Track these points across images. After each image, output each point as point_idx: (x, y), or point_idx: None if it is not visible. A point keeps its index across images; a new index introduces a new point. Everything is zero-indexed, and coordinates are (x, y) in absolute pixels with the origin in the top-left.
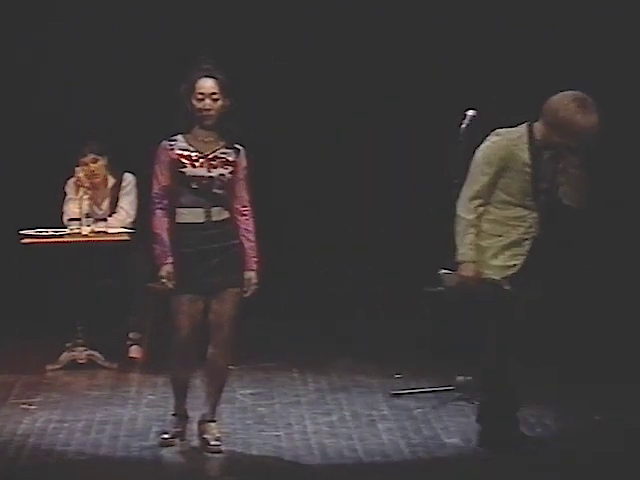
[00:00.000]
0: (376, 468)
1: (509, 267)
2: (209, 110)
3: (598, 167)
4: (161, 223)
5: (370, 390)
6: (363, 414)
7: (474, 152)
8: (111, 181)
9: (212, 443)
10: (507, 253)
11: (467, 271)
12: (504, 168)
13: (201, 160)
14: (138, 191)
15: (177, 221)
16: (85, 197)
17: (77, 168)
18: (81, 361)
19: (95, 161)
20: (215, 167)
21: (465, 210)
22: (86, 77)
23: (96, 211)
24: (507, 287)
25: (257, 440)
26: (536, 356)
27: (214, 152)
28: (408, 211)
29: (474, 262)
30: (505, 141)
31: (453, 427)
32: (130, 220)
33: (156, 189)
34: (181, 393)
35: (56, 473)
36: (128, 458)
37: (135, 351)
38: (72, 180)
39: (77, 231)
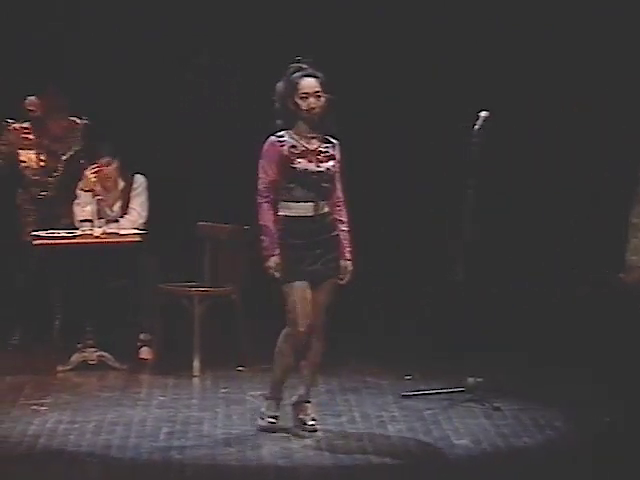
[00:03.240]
0: (386, 469)
1: None
2: (314, 108)
3: None
4: (268, 216)
5: (380, 391)
6: (373, 415)
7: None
8: (121, 183)
9: (309, 423)
10: None
11: (627, 276)
12: None
13: (309, 155)
14: (148, 192)
15: (286, 214)
16: (96, 198)
17: (86, 172)
18: (92, 362)
19: (109, 164)
20: (322, 161)
21: (633, 213)
22: (86, 77)
23: (108, 212)
24: None
25: (267, 441)
26: (545, 357)
27: (319, 147)
28: (408, 211)
29: (637, 267)
30: None
31: (463, 428)
32: (142, 221)
33: (264, 183)
34: (284, 378)
35: (66, 474)
36: (138, 459)
37: (145, 352)
38: (82, 182)
39: (89, 232)
